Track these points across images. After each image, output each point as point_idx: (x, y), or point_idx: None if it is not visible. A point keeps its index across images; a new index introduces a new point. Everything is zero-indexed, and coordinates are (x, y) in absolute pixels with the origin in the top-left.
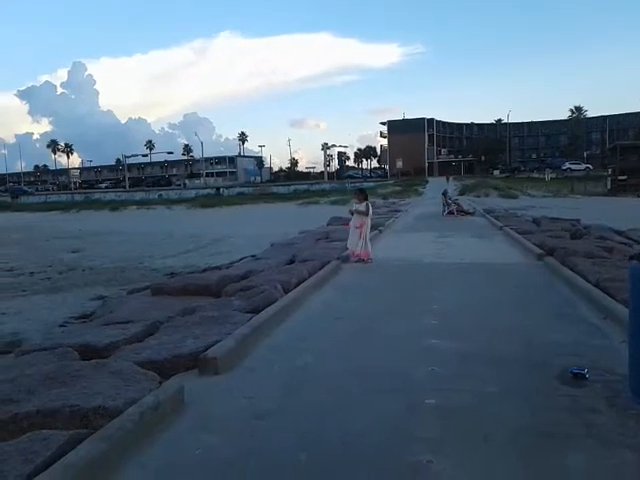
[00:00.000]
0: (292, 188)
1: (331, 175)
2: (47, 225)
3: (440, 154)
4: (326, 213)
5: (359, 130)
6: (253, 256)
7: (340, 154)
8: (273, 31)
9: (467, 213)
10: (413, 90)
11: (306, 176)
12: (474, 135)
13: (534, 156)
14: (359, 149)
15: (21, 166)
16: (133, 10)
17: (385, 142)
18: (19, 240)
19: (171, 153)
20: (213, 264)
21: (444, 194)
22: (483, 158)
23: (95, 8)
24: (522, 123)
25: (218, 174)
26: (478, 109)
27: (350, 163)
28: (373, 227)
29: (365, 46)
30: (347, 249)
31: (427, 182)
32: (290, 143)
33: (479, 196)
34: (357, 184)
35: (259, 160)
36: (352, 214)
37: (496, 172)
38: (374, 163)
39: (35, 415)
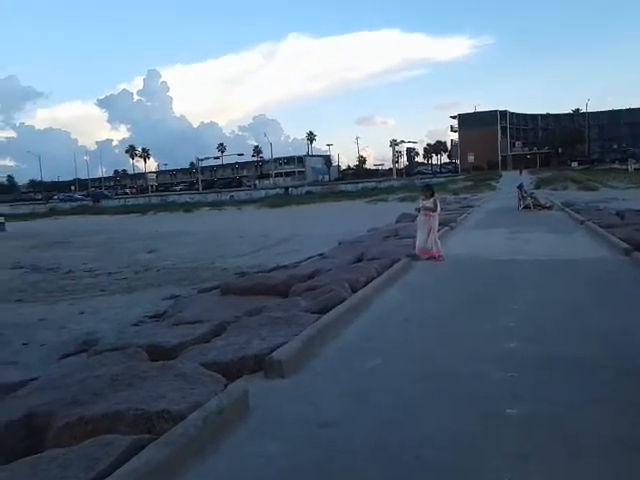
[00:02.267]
0: (360, 186)
1: (400, 172)
2: (126, 227)
3: (514, 147)
4: (395, 210)
5: (428, 125)
6: (320, 255)
7: (409, 150)
8: (340, 30)
9: (544, 207)
10: (484, 83)
11: (374, 173)
12: (550, 126)
13: (615, 146)
14: (428, 144)
15: (101, 171)
16: (206, 17)
17: (456, 136)
18: (99, 242)
19: (241, 155)
20: (281, 263)
21: (519, 188)
22: (560, 150)
23: (170, 17)
24: (602, 112)
25: (287, 174)
26: (554, 99)
27: (419, 159)
28: (443, 224)
29: (433, 40)
30: (415, 248)
31: (501, 176)
32: (358, 141)
33: (556, 189)
34: (426, 180)
35: (327, 159)
36: (419, 211)
37: (574, 164)
38: (444, 158)
39: (100, 418)
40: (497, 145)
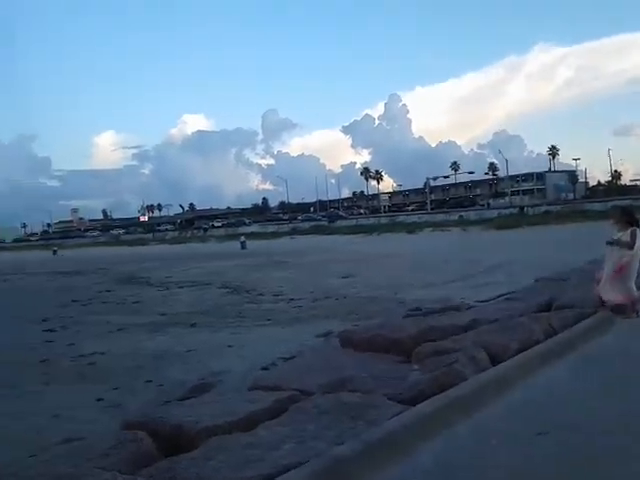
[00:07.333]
0: (610, 204)
1: None
2: (345, 248)
3: None
4: None
5: None
6: (510, 294)
7: None
8: (594, 34)
9: None
10: None
11: (631, 190)
12: None
13: None
14: None
15: (339, 193)
16: (446, 39)
17: None
18: (309, 263)
19: (472, 173)
20: (468, 299)
21: None
22: None
23: (409, 43)
24: None
25: (524, 192)
26: None
27: None
28: None
29: None
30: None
31: None
32: (610, 154)
33: None
34: None
35: (571, 175)
36: (611, 245)
37: None
38: None
39: None
40: None
